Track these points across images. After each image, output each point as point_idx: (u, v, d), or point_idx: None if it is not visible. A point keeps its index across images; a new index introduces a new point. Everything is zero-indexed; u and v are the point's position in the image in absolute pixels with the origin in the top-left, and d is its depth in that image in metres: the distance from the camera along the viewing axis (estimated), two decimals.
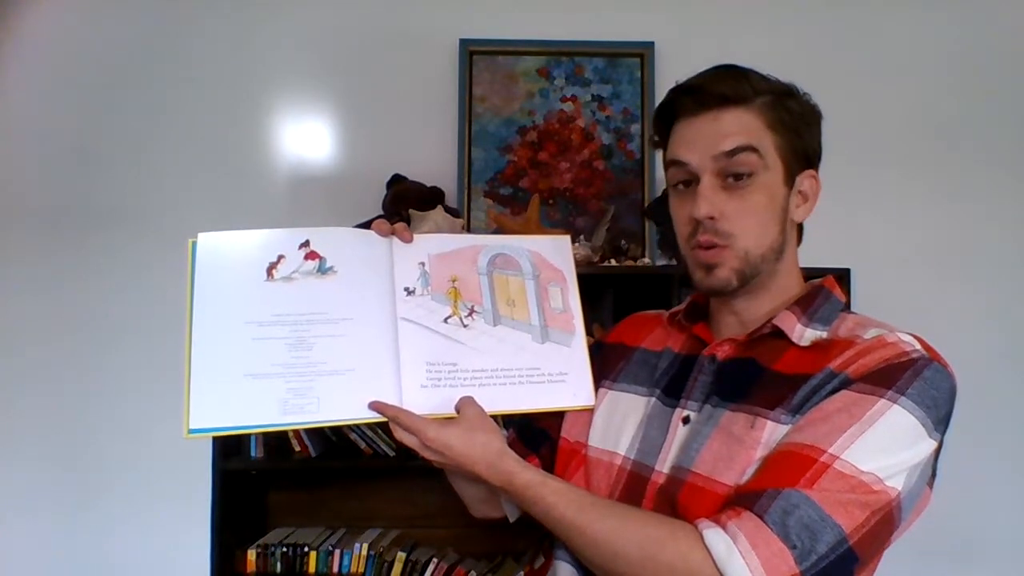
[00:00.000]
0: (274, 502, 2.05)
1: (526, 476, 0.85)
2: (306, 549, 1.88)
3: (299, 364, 0.91)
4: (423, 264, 0.98)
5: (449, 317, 0.97)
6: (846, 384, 0.79)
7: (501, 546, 2.00)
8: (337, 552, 1.88)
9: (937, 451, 0.80)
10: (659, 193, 2.01)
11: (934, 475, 0.84)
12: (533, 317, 1.01)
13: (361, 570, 1.86)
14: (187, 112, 2.09)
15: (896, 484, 0.75)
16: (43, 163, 2.08)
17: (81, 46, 2.09)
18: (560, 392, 0.99)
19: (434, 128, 2.09)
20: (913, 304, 1.87)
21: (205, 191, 2.07)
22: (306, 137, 2.11)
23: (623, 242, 1.98)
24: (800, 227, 0.94)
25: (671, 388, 0.93)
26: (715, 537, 0.73)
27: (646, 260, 1.97)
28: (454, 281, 0.99)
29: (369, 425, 1.79)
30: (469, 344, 0.96)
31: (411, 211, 1.82)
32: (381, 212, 1.91)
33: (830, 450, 0.74)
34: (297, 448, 1.86)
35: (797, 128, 0.88)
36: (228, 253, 0.94)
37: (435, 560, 1.87)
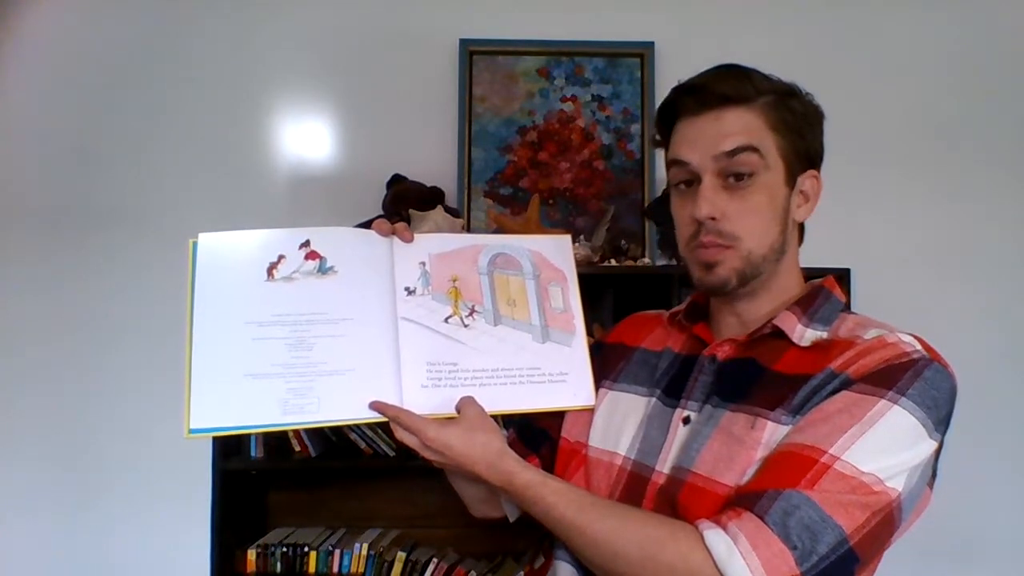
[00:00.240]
0: (274, 502, 2.05)
1: (526, 476, 0.85)
2: (306, 549, 1.88)
3: (299, 364, 0.90)
4: (424, 264, 0.98)
5: (450, 317, 0.97)
6: (847, 385, 0.79)
7: (501, 546, 2.00)
8: (337, 552, 1.88)
9: (937, 451, 0.80)
10: (659, 193, 2.01)
11: (934, 475, 0.84)
12: (534, 317, 1.01)
13: (361, 570, 1.86)
14: (187, 112, 2.09)
15: (897, 485, 0.75)
16: (43, 163, 2.08)
17: (81, 46, 2.09)
18: (560, 392, 0.99)
19: (434, 128, 2.09)
20: (913, 304, 1.87)
21: (205, 191, 2.07)
22: (306, 137, 2.11)
23: (623, 242, 1.98)
24: (801, 227, 0.94)
25: (671, 388, 0.92)
26: (716, 538, 0.73)
27: (646, 260, 1.97)
28: (455, 281, 0.99)
29: (369, 425, 1.79)
30: (470, 344, 0.96)
31: (411, 211, 1.82)
32: (381, 212, 1.91)
33: (831, 451, 0.74)
34: (297, 448, 1.86)
35: (799, 128, 0.88)
36: (228, 253, 0.94)
37: (435, 560, 1.87)
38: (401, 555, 1.86)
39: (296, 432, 1.83)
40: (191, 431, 0.87)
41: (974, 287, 2.09)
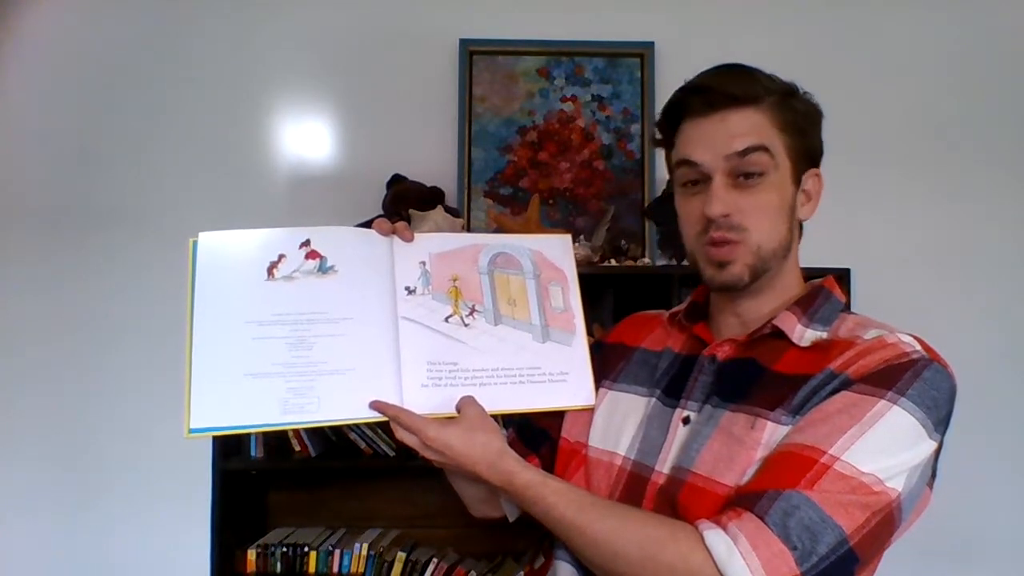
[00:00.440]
0: (274, 502, 2.05)
1: (526, 476, 0.85)
2: (306, 549, 1.88)
3: (299, 364, 0.90)
4: (424, 263, 0.98)
5: (450, 316, 0.97)
6: (846, 385, 0.79)
7: (501, 546, 2.00)
8: (337, 552, 1.88)
9: (937, 451, 0.80)
10: (659, 193, 2.01)
11: (934, 475, 0.84)
12: (534, 316, 1.01)
13: (361, 570, 1.86)
14: (187, 112, 2.09)
15: (896, 485, 0.75)
16: (43, 163, 2.08)
17: (81, 46, 2.09)
18: (561, 392, 0.99)
19: (434, 128, 2.09)
20: (913, 304, 1.87)
21: (205, 191, 2.07)
22: (306, 137, 2.11)
23: (623, 242, 1.98)
24: (800, 226, 0.94)
25: (671, 388, 0.93)
26: (716, 538, 0.73)
27: (646, 260, 1.97)
28: (455, 280, 0.99)
29: (369, 425, 1.79)
30: (470, 343, 0.96)
31: (411, 211, 1.82)
32: (381, 212, 1.91)
33: (830, 451, 0.74)
34: (297, 448, 1.86)
35: (802, 127, 0.89)
36: (229, 253, 0.94)
37: (435, 560, 1.87)
38: (401, 555, 1.86)
39: (296, 432, 1.83)
40: (191, 431, 0.87)
41: (974, 287, 2.09)
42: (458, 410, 0.91)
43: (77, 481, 2.04)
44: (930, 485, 0.84)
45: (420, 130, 2.09)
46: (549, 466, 1.00)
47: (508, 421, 1.20)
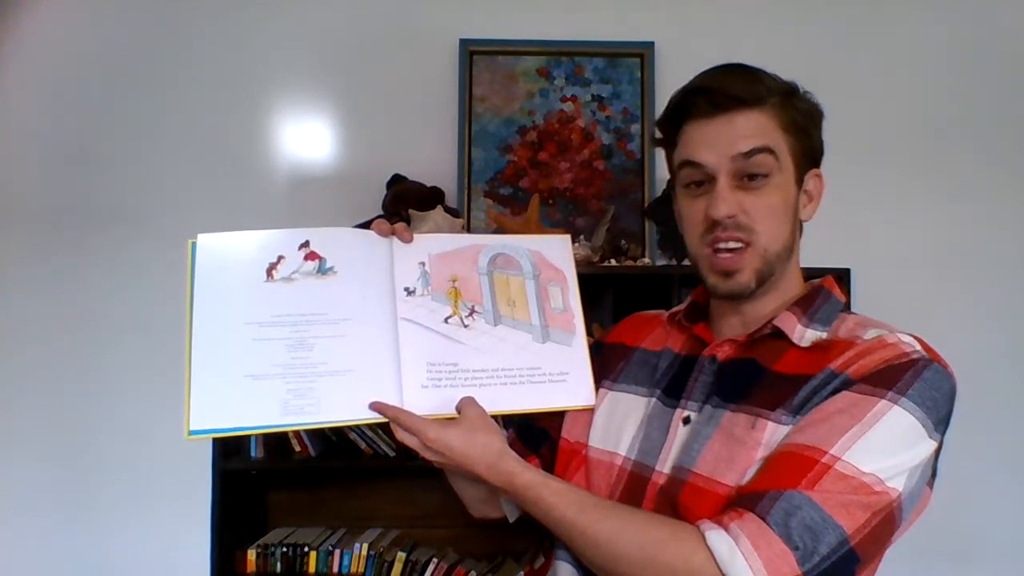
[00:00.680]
0: (274, 502, 2.05)
1: (527, 477, 0.85)
2: (306, 549, 1.88)
3: (299, 365, 0.90)
4: (423, 264, 0.98)
5: (449, 317, 0.97)
6: (847, 385, 0.79)
7: (501, 546, 2.00)
8: (337, 552, 1.88)
9: (937, 451, 0.80)
10: (659, 193, 2.01)
11: (934, 475, 0.84)
12: (533, 317, 1.01)
13: (361, 570, 1.86)
14: (187, 112, 2.09)
15: (897, 485, 0.75)
16: (43, 163, 2.08)
17: (81, 46, 2.09)
18: (561, 392, 0.99)
19: (434, 128, 2.09)
20: (913, 304, 1.87)
21: (205, 191, 2.07)
22: (306, 137, 2.11)
23: (623, 242, 1.98)
24: (800, 226, 0.94)
25: (671, 388, 0.92)
26: (717, 538, 0.73)
27: (646, 260, 1.97)
28: (454, 281, 0.99)
29: (369, 425, 1.79)
30: (470, 344, 0.96)
31: (411, 211, 1.82)
32: (381, 212, 1.91)
33: (831, 451, 0.74)
34: (297, 448, 1.86)
35: (805, 128, 0.89)
36: (228, 254, 0.94)
37: (435, 560, 1.87)
38: (401, 555, 1.87)
39: (296, 432, 1.83)
40: (191, 432, 0.87)
41: (974, 287, 2.09)
42: (458, 411, 0.90)
43: (77, 481, 2.04)
44: (930, 485, 0.84)
45: (420, 130, 2.09)
46: (549, 466, 1.00)
47: (508, 422, 1.20)
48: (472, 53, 2.09)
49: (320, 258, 0.95)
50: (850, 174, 2.05)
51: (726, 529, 0.73)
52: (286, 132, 2.11)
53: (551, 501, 0.83)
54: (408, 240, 0.98)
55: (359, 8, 2.11)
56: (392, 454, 1.82)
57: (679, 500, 0.82)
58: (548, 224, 2.05)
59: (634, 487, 0.88)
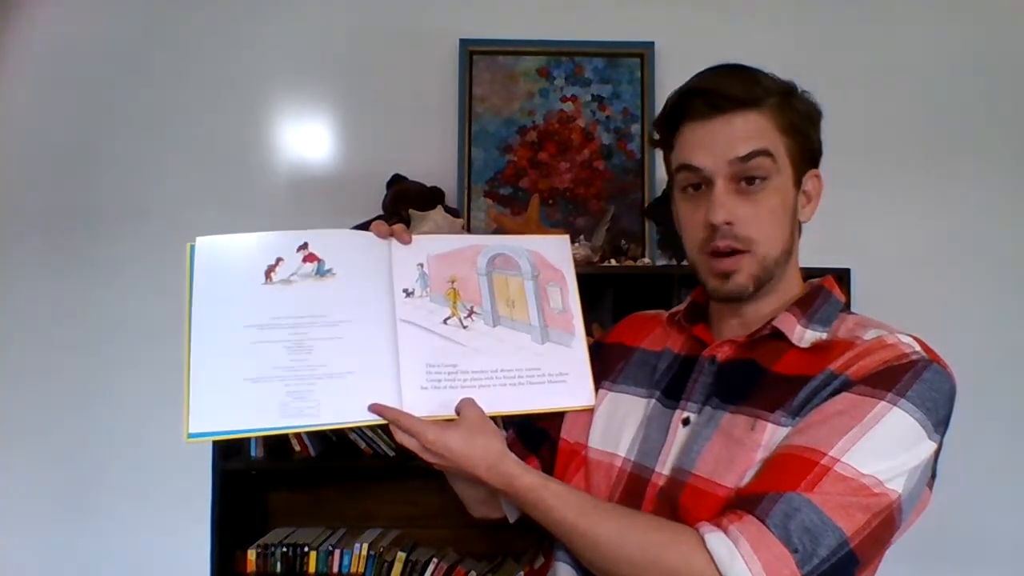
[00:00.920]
0: (274, 502, 2.05)
1: (527, 479, 0.85)
2: (306, 549, 1.88)
3: (299, 367, 0.90)
4: (422, 265, 0.98)
5: (448, 318, 0.97)
6: (846, 386, 0.79)
7: (501, 546, 2.00)
8: (337, 552, 1.88)
9: (937, 452, 0.80)
10: (659, 193, 2.01)
11: (934, 476, 0.84)
12: (533, 317, 1.00)
13: (361, 570, 1.86)
14: (187, 112, 2.09)
15: (897, 486, 0.75)
16: (43, 163, 2.08)
17: (81, 46, 2.09)
18: (560, 392, 0.99)
19: (434, 128, 2.09)
20: (913, 304, 1.87)
21: (205, 191, 2.07)
22: (306, 137, 2.11)
23: (623, 242, 1.98)
24: (799, 227, 0.93)
25: (671, 389, 0.92)
26: (717, 541, 0.73)
27: (646, 260, 1.97)
28: (453, 282, 0.99)
29: (370, 426, 1.79)
30: (469, 345, 0.96)
31: (411, 211, 1.82)
32: (381, 212, 1.91)
33: (831, 453, 0.74)
34: (297, 448, 1.86)
35: (803, 128, 0.88)
36: (226, 256, 0.94)
37: (435, 560, 1.87)
38: (401, 555, 1.87)
39: (296, 433, 1.83)
40: (190, 435, 0.87)
41: (974, 287, 2.09)
42: (458, 412, 0.90)
43: (77, 481, 2.04)
44: (930, 486, 0.84)
45: (420, 130, 2.09)
46: (549, 467, 1.00)
47: (508, 422, 1.20)
48: (472, 53, 2.09)
49: (319, 260, 0.95)
50: (850, 174, 2.05)
51: (725, 531, 0.73)
52: (286, 132, 2.11)
53: (551, 503, 0.83)
54: (407, 241, 0.98)
55: (359, 8, 2.11)
56: (392, 454, 1.82)
57: (679, 501, 0.82)
58: (548, 224, 2.05)
59: (634, 488, 0.88)
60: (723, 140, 0.85)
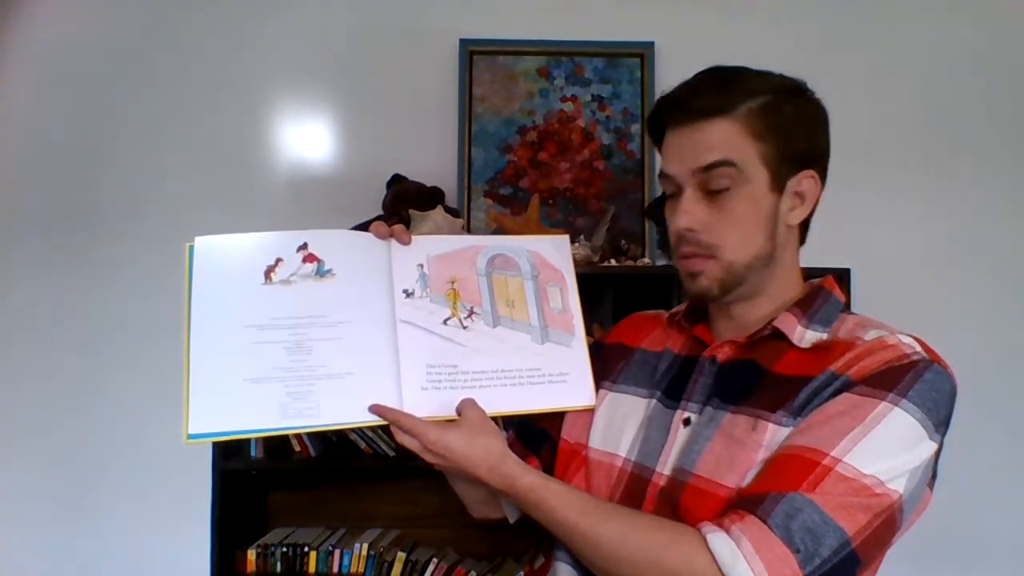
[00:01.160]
0: (274, 502, 2.05)
1: (528, 480, 0.85)
2: (306, 549, 1.88)
3: (298, 368, 0.90)
4: (422, 266, 0.98)
5: (448, 319, 0.97)
6: (847, 387, 0.79)
7: (501, 546, 2.00)
8: (337, 552, 1.88)
9: (937, 452, 0.80)
10: (659, 193, 2.00)
11: (934, 476, 0.84)
12: (533, 318, 1.00)
13: (361, 570, 1.86)
14: (187, 112, 2.09)
15: (898, 487, 0.75)
16: (43, 163, 2.08)
17: (81, 46, 2.09)
18: (561, 392, 0.99)
19: (434, 128, 2.09)
20: (913, 304, 1.87)
21: (205, 191, 2.07)
22: (306, 137, 2.11)
23: (623, 242, 1.98)
24: (804, 227, 0.93)
25: (671, 389, 0.92)
26: (719, 541, 0.73)
27: (646, 260, 1.97)
28: (453, 283, 0.99)
29: (370, 427, 1.79)
30: (469, 345, 0.96)
31: (411, 211, 1.82)
32: (381, 212, 1.90)
33: (832, 453, 0.74)
34: (297, 448, 1.86)
35: (789, 131, 0.86)
36: (225, 257, 0.93)
37: (435, 560, 1.87)
38: (401, 555, 1.87)
39: (296, 433, 1.83)
40: (190, 436, 0.87)
41: (974, 287, 2.09)
42: (458, 413, 0.90)
43: (77, 481, 2.04)
44: (930, 486, 0.84)
45: (420, 130, 2.09)
46: (549, 467, 1.00)
47: (508, 422, 1.20)
48: (472, 53, 2.09)
49: (318, 260, 0.94)
50: (850, 174, 2.03)
51: (727, 532, 0.73)
52: (286, 132, 2.11)
53: (552, 504, 0.83)
54: (406, 242, 0.98)
55: (359, 8, 2.11)
56: (392, 454, 1.82)
57: (680, 502, 0.82)
58: (548, 224, 2.05)
59: (634, 488, 0.88)
60: (689, 149, 0.86)
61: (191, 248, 0.93)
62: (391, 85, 2.10)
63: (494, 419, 0.92)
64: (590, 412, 0.99)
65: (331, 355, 0.91)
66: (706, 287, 0.88)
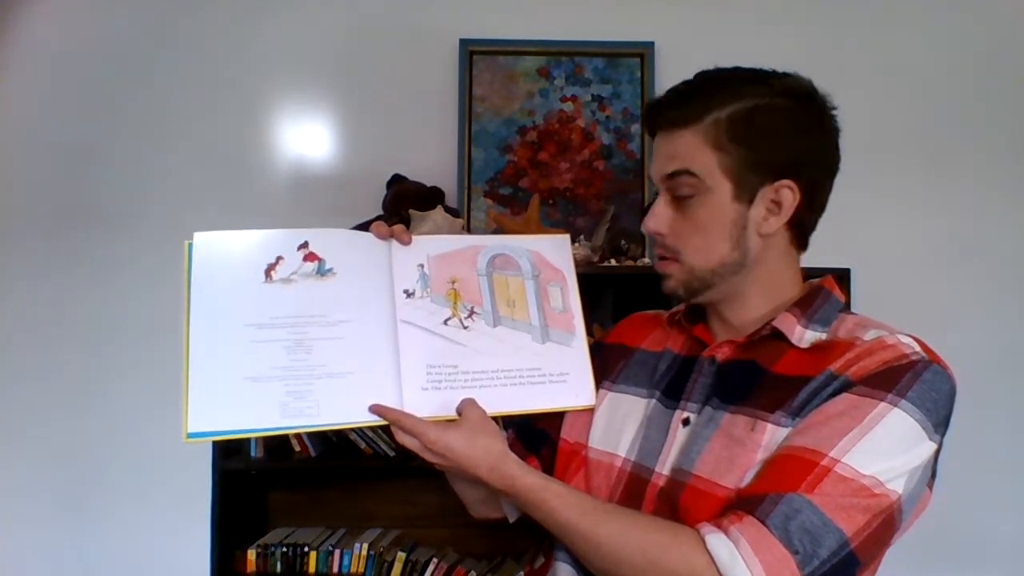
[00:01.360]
0: (274, 502, 2.05)
1: (528, 480, 0.85)
2: (306, 549, 1.88)
3: (298, 367, 0.90)
4: (422, 266, 0.98)
5: (449, 319, 0.97)
6: (847, 387, 0.79)
7: (501, 546, 2.00)
8: (337, 552, 1.88)
9: (937, 453, 0.80)
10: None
11: (934, 476, 0.84)
12: (533, 317, 1.00)
13: (361, 570, 1.86)
14: (187, 112, 2.09)
15: (897, 487, 0.75)
16: (43, 163, 2.08)
17: (81, 46, 2.09)
18: (561, 392, 0.99)
19: (434, 128, 2.09)
20: (913, 304, 1.87)
21: (205, 191, 2.07)
22: (306, 137, 2.11)
23: (623, 242, 1.98)
24: (802, 232, 0.92)
25: (671, 389, 0.92)
26: (718, 542, 0.73)
27: (646, 260, 1.97)
28: (453, 282, 0.99)
29: (370, 427, 1.79)
30: (469, 345, 0.96)
31: (411, 211, 1.82)
32: (381, 212, 1.91)
33: (831, 454, 0.74)
34: (297, 448, 1.86)
35: (760, 140, 0.84)
36: (225, 254, 0.93)
37: (435, 560, 1.87)
38: (401, 555, 1.87)
39: (296, 433, 1.83)
40: (189, 435, 0.87)
41: (974, 287, 2.09)
42: (459, 413, 0.90)
43: (77, 481, 2.04)
44: (930, 486, 0.84)
45: (420, 130, 2.09)
46: (549, 467, 1.00)
47: (508, 422, 1.20)
48: (472, 53, 2.09)
49: (319, 259, 0.94)
50: (850, 174, 1.99)
51: (726, 533, 0.73)
52: (286, 132, 2.11)
53: (553, 504, 0.83)
54: (406, 242, 0.98)
55: (359, 8, 2.11)
56: (392, 454, 1.82)
57: (679, 502, 0.82)
58: (548, 224, 2.05)
59: (634, 488, 0.88)
60: (659, 157, 0.89)
61: (190, 245, 0.92)
62: (391, 85, 2.10)
63: (494, 419, 0.92)
64: (590, 412, 0.99)
65: (331, 354, 0.91)
66: (672, 288, 0.91)
